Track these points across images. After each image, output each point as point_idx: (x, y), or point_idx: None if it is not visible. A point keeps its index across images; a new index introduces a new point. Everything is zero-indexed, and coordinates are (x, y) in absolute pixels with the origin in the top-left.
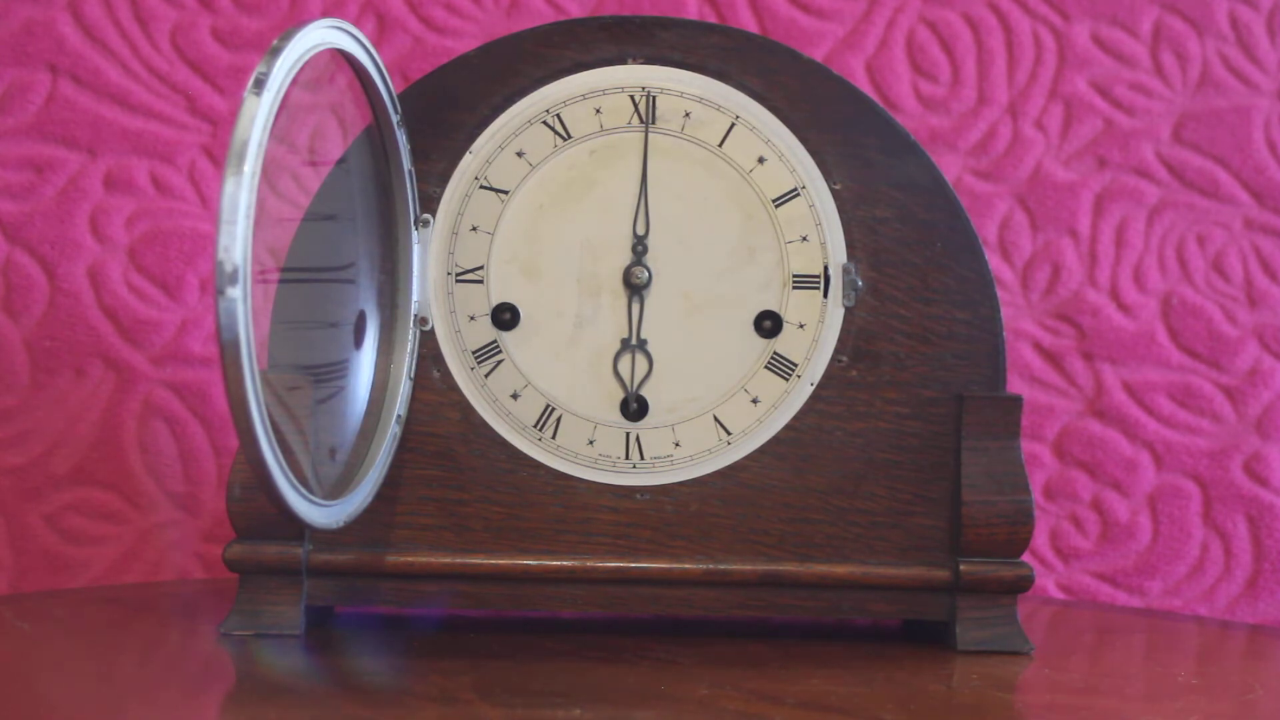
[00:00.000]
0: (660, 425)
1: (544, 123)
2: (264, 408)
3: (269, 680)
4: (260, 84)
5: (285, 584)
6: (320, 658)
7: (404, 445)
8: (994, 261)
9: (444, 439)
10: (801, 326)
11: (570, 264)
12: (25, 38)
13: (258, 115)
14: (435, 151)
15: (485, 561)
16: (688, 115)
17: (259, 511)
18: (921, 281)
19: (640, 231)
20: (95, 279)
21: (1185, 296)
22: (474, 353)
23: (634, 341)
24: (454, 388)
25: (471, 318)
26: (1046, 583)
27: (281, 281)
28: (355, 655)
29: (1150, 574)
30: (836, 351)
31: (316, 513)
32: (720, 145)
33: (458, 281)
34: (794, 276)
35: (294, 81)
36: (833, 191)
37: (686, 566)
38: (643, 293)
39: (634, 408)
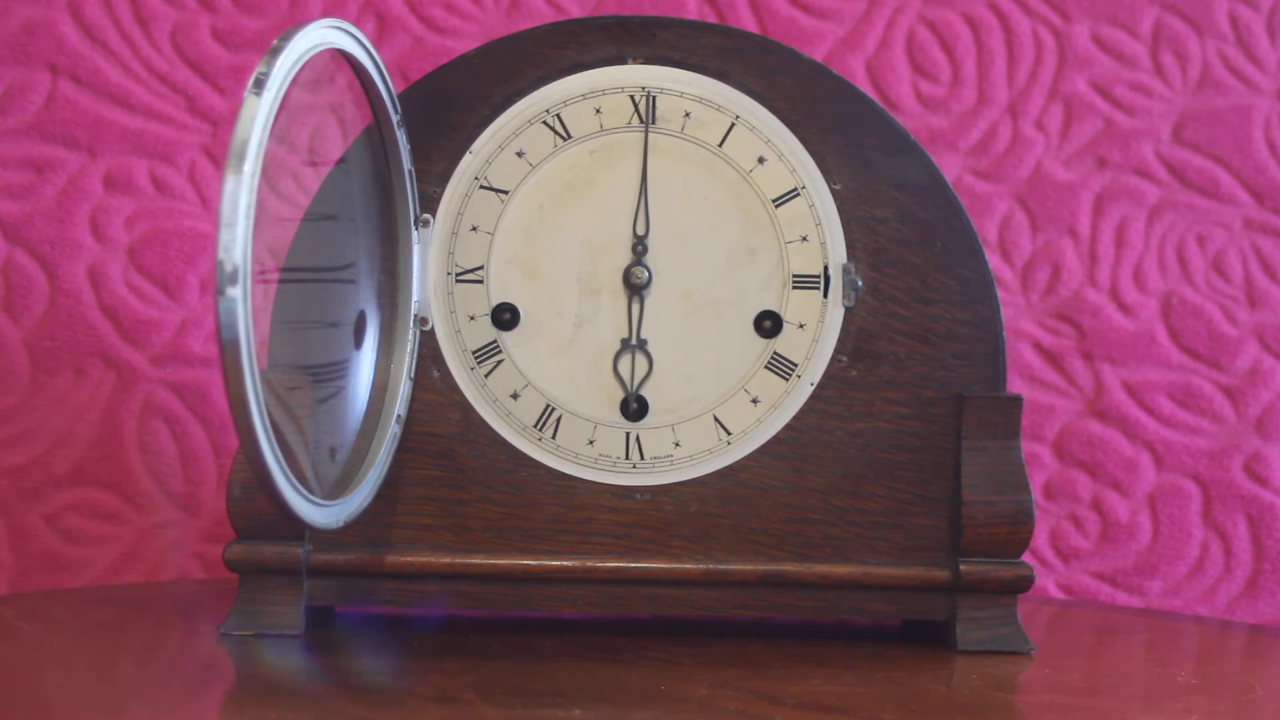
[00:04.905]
0: (660, 425)
1: (544, 123)
2: (264, 408)
3: (269, 680)
4: (260, 84)
5: (285, 584)
6: (320, 658)
7: (404, 445)
8: (994, 261)
9: (444, 439)
10: (801, 326)
11: (570, 264)
12: (25, 38)
13: (258, 115)
14: (435, 151)
15: (485, 561)
16: (688, 115)
17: (259, 511)
18: (921, 281)
19: (640, 231)
20: (95, 279)
21: (1185, 296)
22: (474, 353)
23: (634, 341)
24: (454, 388)
25: (471, 318)
26: (1046, 583)
27: (281, 281)
28: (355, 655)
29: (1150, 574)
30: (836, 351)
31: (316, 513)
32: (720, 145)
33: (458, 281)
34: (794, 276)
35: (294, 81)
36: (833, 191)
37: (686, 566)
38: (643, 293)
39: (634, 408)
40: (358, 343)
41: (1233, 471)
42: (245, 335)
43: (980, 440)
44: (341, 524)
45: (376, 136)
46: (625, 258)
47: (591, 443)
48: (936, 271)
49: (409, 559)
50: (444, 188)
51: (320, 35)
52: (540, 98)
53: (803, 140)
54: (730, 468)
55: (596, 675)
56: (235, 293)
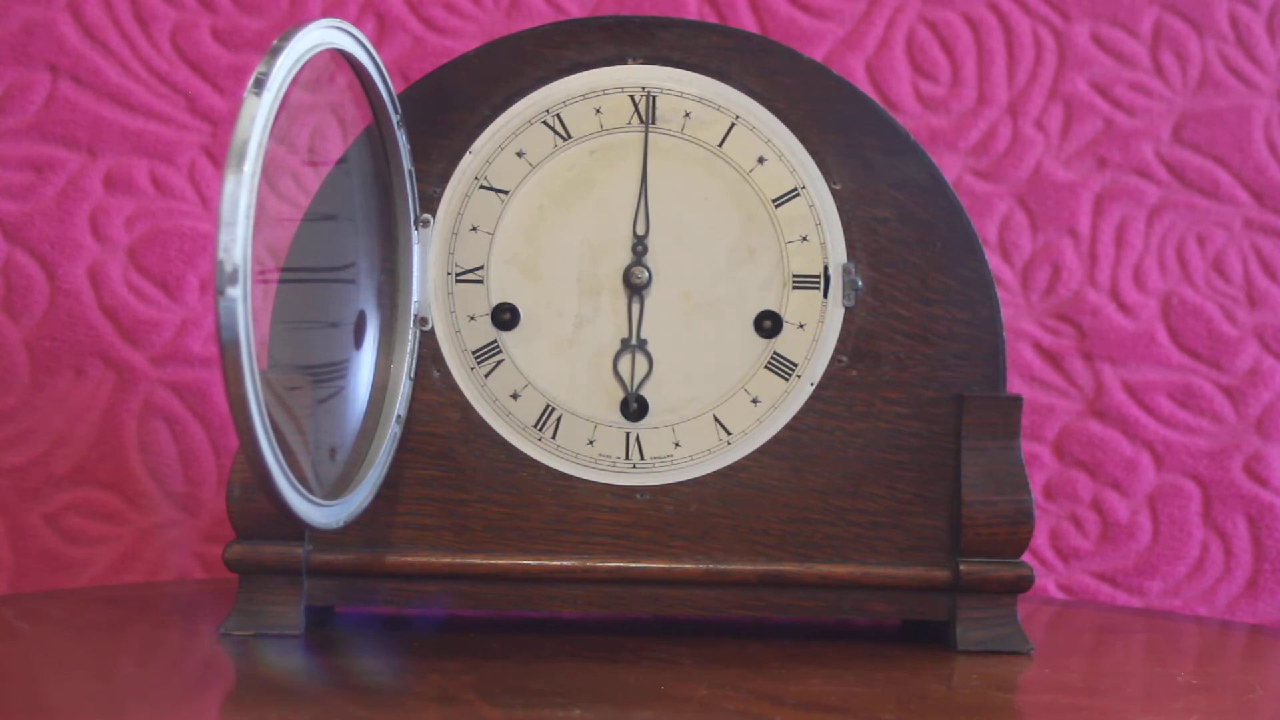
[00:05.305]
0: (660, 425)
1: (544, 123)
2: (264, 408)
3: (269, 680)
4: (260, 84)
5: (285, 584)
6: (320, 658)
7: (404, 445)
8: (994, 261)
9: (444, 439)
10: (801, 326)
11: (570, 264)
12: (25, 38)
13: (258, 115)
14: (435, 151)
15: (485, 561)
16: (688, 115)
17: (259, 511)
18: (921, 281)
19: (640, 231)
20: (95, 279)
21: (1185, 296)
22: (474, 353)
23: (634, 341)
24: (454, 388)
25: (471, 318)
26: (1046, 583)
27: (281, 281)
28: (355, 655)
29: (1150, 574)
30: (836, 351)
31: (316, 513)
32: (720, 145)
33: (458, 281)
34: (794, 276)
35: (294, 81)
36: (833, 191)
37: (686, 566)
38: (643, 293)
39: (634, 408)
40: (358, 343)
41: (1233, 471)
42: (245, 335)
43: (980, 440)
44: (341, 524)
45: (376, 136)
46: (625, 258)
47: (591, 443)
48: (936, 271)
49: (409, 559)
50: (444, 188)
51: (320, 35)
52: (540, 98)
53: (803, 140)
54: (730, 468)
55: (596, 675)
56: (235, 293)
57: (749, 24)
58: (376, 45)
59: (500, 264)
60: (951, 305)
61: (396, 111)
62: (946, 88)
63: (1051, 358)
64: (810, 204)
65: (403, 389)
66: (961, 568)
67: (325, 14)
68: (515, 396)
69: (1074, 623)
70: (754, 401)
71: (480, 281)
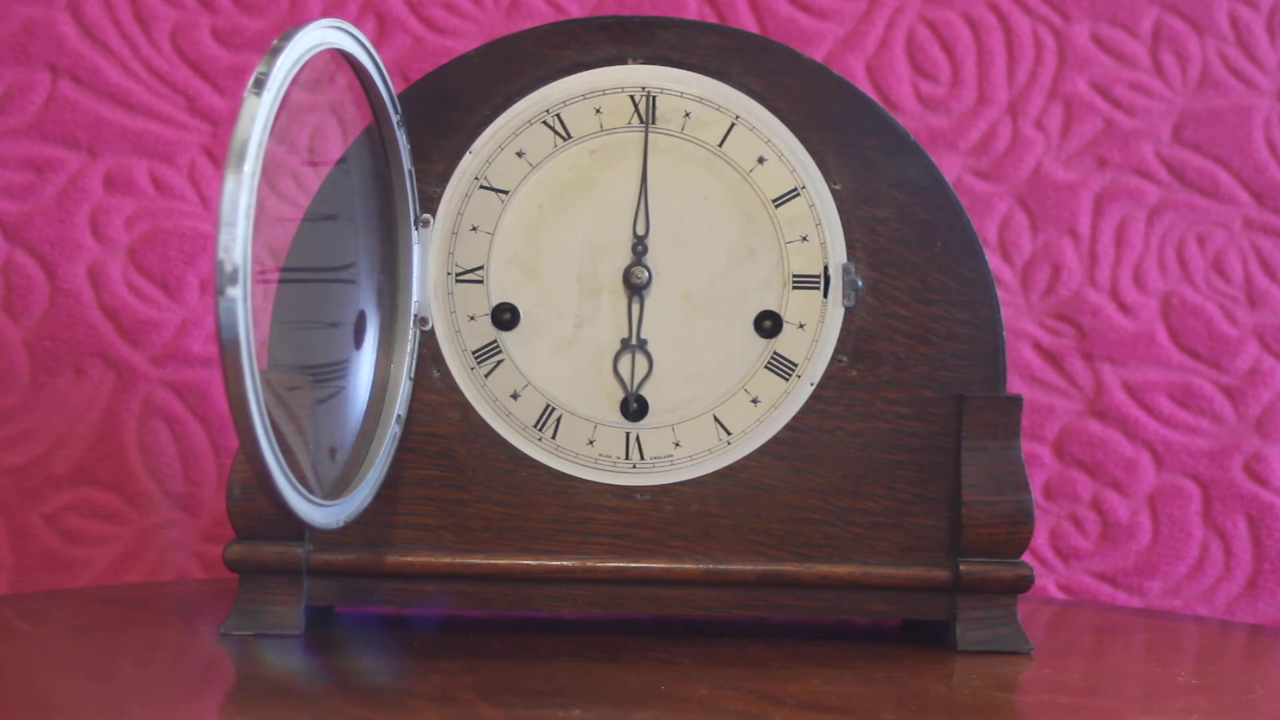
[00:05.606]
0: (660, 425)
1: (544, 123)
2: (264, 408)
3: (269, 680)
4: (260, 84)
5: (285, 584)
6: (320, 658)
7: (404, 445)
8: (994, 261)
9: (444, 439)
10: (801, 326)
11: (570, 264)
12: (25, 38)
13: (258, 115)
14: (435, 151)
15: (485, 561)
16: (688, 115)
17: (259, 511)
18: (921, 281)
19: (640, 231)
20: (95, 279)
21: (1185, 296)
22: (474, 353)
23: (634, 341)
24: (454, 388)
25: (471, 318)
26: (1046, 583)
27: (281, 281)
28: (355, 655)
29: (1150, 574)
30: (836, 351)
31: (316, 513)
32: (720, 145)
33: (458, 281)
34: (794, 276)
35: (294, 81)
36: (833, 191)
37: (686, 566)
38: (643, 293)
39: (634, 408)
40: (358, 343)
41: (1233, 471)
42: (245, 335)
43: (980, 440)
44: (341, 524)
45: (376, 136)
46: (625, 258)
47: (591, 443)
48: (936, 271)
49: (409, 559)
50: (444, 188)
51: (320, 35)
52: (540, 98)
53: (803, 140)
54: (730, 468)
55: (596, 675)
56: (235, 293)
57: (749, 24)
58: (376, 45)
59: (500, 264)
60: (951, 305)
61: (396, 111)
62: (946, 88)
63: (1051, 358)
64: (810, 204)
65: (403, 389)
66: (961, 568)
67: (325, 14)
68: (515, 396)
69: (1074, 623)
70: (754, 401)
71: (480, 281)
